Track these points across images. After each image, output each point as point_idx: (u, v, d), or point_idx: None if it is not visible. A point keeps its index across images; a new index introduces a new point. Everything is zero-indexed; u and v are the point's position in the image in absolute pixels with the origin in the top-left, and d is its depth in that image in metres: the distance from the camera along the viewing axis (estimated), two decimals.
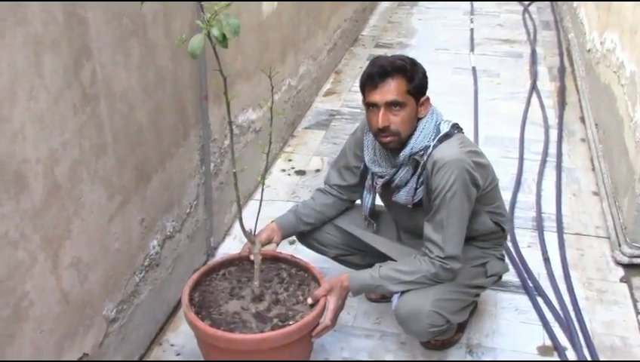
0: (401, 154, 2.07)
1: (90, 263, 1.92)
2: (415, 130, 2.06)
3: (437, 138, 2.05)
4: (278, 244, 2.31)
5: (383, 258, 2.23)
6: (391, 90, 2.00)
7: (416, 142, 2.05)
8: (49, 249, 1.72)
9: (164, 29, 2.17)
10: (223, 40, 1.45)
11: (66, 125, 1.72)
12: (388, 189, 2.21)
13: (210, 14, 1.44)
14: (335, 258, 2.48)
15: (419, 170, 2.07)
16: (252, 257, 2.10)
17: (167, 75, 2.24)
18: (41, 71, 1.59)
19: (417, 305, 2.04)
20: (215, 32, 1.43)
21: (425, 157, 2.04)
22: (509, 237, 3.03)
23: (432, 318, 2.04)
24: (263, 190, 2.03)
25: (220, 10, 1.43)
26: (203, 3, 1.48)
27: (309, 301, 2.07)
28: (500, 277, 2.35)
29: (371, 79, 2.02)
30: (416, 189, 2.10)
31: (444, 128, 2.08)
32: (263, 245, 2.19)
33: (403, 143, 2.06)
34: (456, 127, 2.11)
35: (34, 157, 1.61)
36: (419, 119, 2.08)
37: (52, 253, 1.74)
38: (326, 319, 2.03)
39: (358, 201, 2.41)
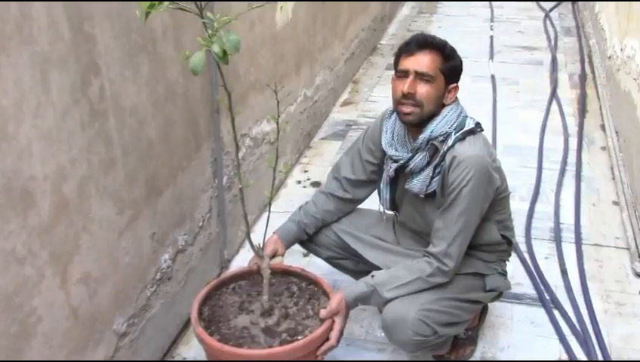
0: (420, 136, 2.05)
1: (100, 278, 1.93)
2: (438, 114, 2.04)
3: (461, 131, 2.02)
4: (283, 256, 2.29)
5: (377, 266, 2.22)
6: (425, 61, 1.99)
7: (437, 127, 2.03)
8: (57, 265, 1.73)
9: (174, 43, 2.18)
10: (224, 56, 1.45)
11: (73, 141, 1.73)
12: (402, 178, 2.19)
13: (212, 30, 1.44)
14: (327, 259, 2.45)
15: (437, 159, 2.04)
16: (261, 271, 2.09)
17: (177, 89, 2.25)
18: (47, 88, 1.61)
19: (403, 312, 2.00)
20: (215, 48, 1.43)
21: (444, 147, 2.02)
22: (526, 248, 3.00)
23: (416, 326, 1.99)
24: (270, 207, 2.02)
25: (221, 27, 1.43)
26: (206, 20, 1.48)
27: (322, 314, 2.04)
28: (501, 294, 2.29)
29: (409, 46, 2.02)
30: (431, 178, 2.07)
31: (470, 124, 2.06)
32: (270, 258, 2.18)
33: (422, 121, 2.03)
34: (479, 126, 2.09)
35: (41, 174, 1.62)
36: (444, 105, 2.06)
37: (60, 269, 1.75)
38: (332, 339, 2.01)
39: (361, 206, 2.41)
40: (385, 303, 2.05)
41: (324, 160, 3.83)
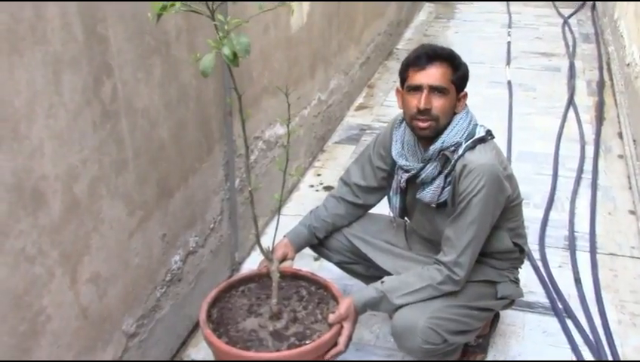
0: (432, 147, 2.04)
1: (110, 278, 1.94)
2: (449, 124, 2.03)
3: (472, 140, 2.01)
4: (293, 260, 2.29)
5: (388, 272, 2.21)
6: (438, 74, 1.98)
7: (448, 137, 2.02)
8: (67, 264, 1.74)
9: (187, 45, 2.19)
10: (234, 59, 1.44)
11: (85, 142, 1.73)
12: (413, 187, 2.18)
13: (222, 32, 1.44)
14: (338, 264, 2.44)
15: (448, 168, 2.03)
16: (271, 274, 2.09)
17: (190, 91, 2.25)
18: (60, 89, 1.62)
19: (413, 320, 1.98)
20: (226, 51, 1.43)
21: (455, 156, 2.00)
22: (539, 256, 2.97)
23: (426, 335, 1.98)
24: (280, 210, 2.02)
25: (232, 29, 1.43)
26: (217, 22, 1.48)
27: (331, 318, 2.04)
28: (513, 302, 2.27)
29: (418, 60, 2.00)
30: (443, 188, 2.06)
31: (480, 132, 2.04)
32: (280, 262, 2.18)
33: (436, 133, 2.02)
34: (490, 133, 2.08)
35: (52, 173, 1.63)
36: (454, 114, 2.05)
37: (70, 269, 1.75)
38: (340, 344, 2.00)
39: (372, 210, 2.41)
40: (394, 310, 2.04)
41: (337, 164, 3.82)
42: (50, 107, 1.60)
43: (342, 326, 2.02)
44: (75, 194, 1.73)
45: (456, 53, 2.04)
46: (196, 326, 2.54)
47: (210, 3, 1.46)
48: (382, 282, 2.08)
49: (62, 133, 1.65)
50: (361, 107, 4.63)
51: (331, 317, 2.01)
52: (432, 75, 1.98)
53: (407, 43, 6.06)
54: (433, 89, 1.98)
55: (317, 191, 3.55)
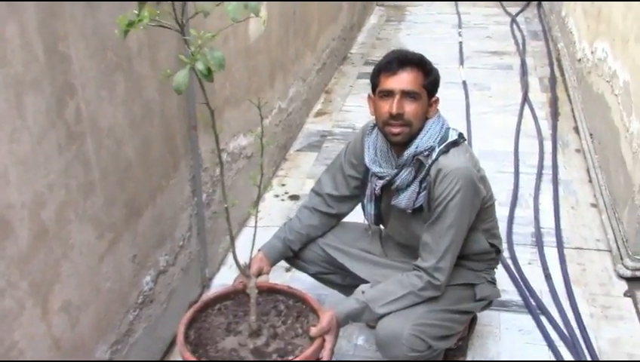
0: (405, 153, 2.02)
1: (82, 306, 1.86)
2: (422, 128, 2.02)
3: (445, 144, 2.00)
4: (269, 273, 2.25)
5: (365, 280, 2.19)
6: (409, 79, 1.97)
7: (421, 142, 2.01)
8: (37, 295, 1.66)
9: (149, 60, 2.13)
10: (208, 74, 1.40)
11: (50, 166, 1.66)
12: (387, 194, 2.16)
13: (195, 47, 1.39)
14: (315, 275, 2.41)
15: (422, 173, 2.02)
16: (248, 290, 2.04)
17: (154, 107, 2.19)
18: (22, 112, 1.54)
19: (397, 328, 1.97)
20: (200, 66, 1.38)
21: (429, 161, 2.00)
22: (509, 254, 2.99)
23: (411, 342, 1.96)
24: (256, 224, 1.97)
25: (205, 43, 1.38)
26: (190, 36, 1.44)
27: (313, 332, 1.99)
28: (491, 303, 2.27)
29: (389, 65, 1.99)
30: (418, 193, 2.05)
31: (453, 135, 2.03)
32: (255, 277, 2.13)
33: (409, 139, 2.01)
34: (461, 136, 2.08)
35: (18, 201, 1.56)
36: (427, 119, 2.04)
37: (41, 299, 1.68)
38: (324, 357, 1.96)
39: (346, 219, 2.38)
40: (377, 319, 2.01)
41: (300, 172, 3.79)
42: (13, 131, 1.52)
43: (324, 340, 1.98)
44: (43, 221, 1.66)
45: (426, 59, 2.04)
46: (170, 347, 2.47)
47: (180, 17, 1.41)
48: (362, 292, 2.05)
49: (26, 158, 1.57)
50: (320, 113, 4.61)
51: (313, 331, 1.98)
52: (404, 79, 1.97)
53: (360, 47, 6.07)
54: (405, 94, 1.97)
55: (282, 200, 3.51)
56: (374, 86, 2.05)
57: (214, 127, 1.66)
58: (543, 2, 6.97)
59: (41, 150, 1.62)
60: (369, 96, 2.10)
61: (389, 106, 1.97)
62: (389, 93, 1.98)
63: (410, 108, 1.97)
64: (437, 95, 2.06)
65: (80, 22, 1.72)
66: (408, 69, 1.98)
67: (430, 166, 1.99)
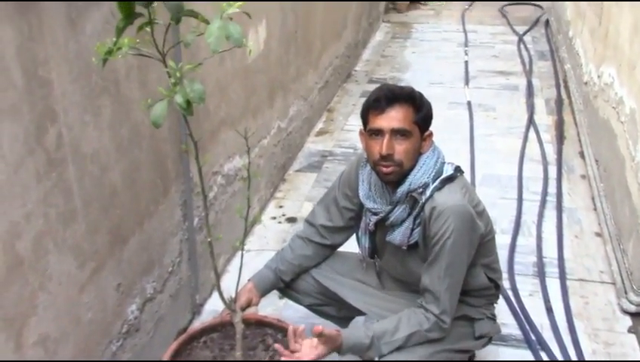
0: (399, 190, 1.95)
1: (60, 338, 1.79)
2: (415, 165, 1.95)
3: (439, 180, 1.93)
4: (258, 305, 2.18)
5: (361, 312, 2.12)
6: (398, 116, 1.90)
7: (415, 178, 1.94)
8: (11, 329, 1.59)
9: (139, 82, 2.06)
10: (188, 107, 1.33)
11: (28, 196, 1.60)
12: (382, 228, 2.09)
13: (175, 79, 1.32)
14: (309, 307, 2.34)
15: (416, 209, 1.95)
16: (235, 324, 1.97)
17: (143, 130, 2.12)
18: None
19: None
20: (179, 99, 1.32)
21: (423, 197, 1.93)
22: (509, 285, 2.91)
23: None
24: (242, 256, 1.90)
25: (186, 75, 1.32)
26: (168, 68, 1.37)
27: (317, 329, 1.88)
28: (490, 339, 2.20)
29: (378, 103, 1.92)
30: (412, 230, 1.98)
31: (448, 170, 1.96)
32: (243, 309, 2.06)
33: (403, 177, 1.95)
34: (458, 170, 2.00)
35: None
36: (420, 154, 1.97)
37: (14, 333, 1.61)
38: (303, 356, 1.86)
39: (340, 248, 2.32)
40: (380, 356, 1.93)
41: (299, 194, 3.71)
42: None
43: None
44: (18, 252, 1.59)
45: (416, 93, 1.97)
46: None
47: (161, 47, 1.35)
48: (370, 323, 1.98)
49: (1, 189, 1.51)
50: (321, 132, 4.54)
51: (319, 328, 1.85)
52: (393, 117, 1.90)
53: (365, 64, 6.01)
54: (395, 132, 1.90)
55: (279, 223, 3.43)
56: (364, 123, 1.98)
57: (197, 160, 1.59)
58: (551, 21, 6.90)
59: (18, 179, 1.56)
60: (360, 132, 2.03)
61: (379, 146, 1.91)
62: (378, 132, 1.92)
63: (400, 147, 1.91)
64: (430, 129, 1.99)
65: (62, 45, 1.66)
66: (397, 106, 1.91)
67: (424, 203, 1.92)
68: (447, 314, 1.94)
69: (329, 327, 2.10)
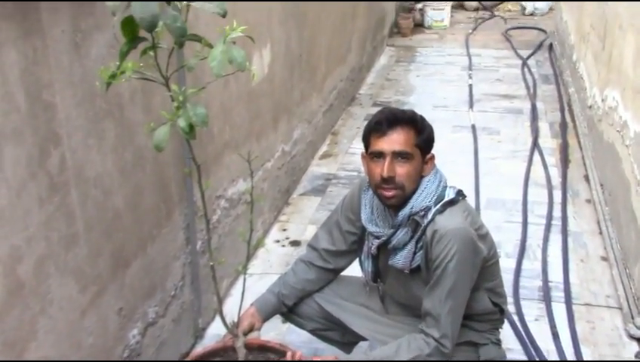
0: (401, 213, 1.94)
1: None
2: (417, 188, 1.95)
3: (441, 203, 1.92)
4: (260, 329, 2.16)
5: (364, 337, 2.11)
6: (400, 139, 1.89)
7: (416, 202, 1.93)
8: (11, 353, 1.58)
9: (142, 106, 2.07)
10: (190, 131, 1.33)
11: (30, 220, 1.59)
12: (385, 252, 2.08)
13: (177, 103, 1.33)
14: (312, 331, 2.32)
15: (418, 233, 1.94)
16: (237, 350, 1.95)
17: (146, 154, 2.12)
18: (0, 164, 1.48)
19: None
20: (181, 123, 1.32)
21: (425, 221, 1.91)
22: (515, 310, 2.88)
23: None
24: (245, 280, 1.89)
25: (189, 98, 1.32)
26: (172, 91, 1.37)
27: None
28: None
29: (379, 126, 1.92)
30: (414, 253, 1.96)
31: (450, 194, 1.95)
32: (245, 334, 2.04)
33: (404, 200, 1.94)
34: (460, 194, 1.99)
35: None
36: (422, 177, 1.96)
37: (15, 357, 1.59)
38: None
39: (344, 272, 2.30)
40: None
41: (303, 217, 3.70)
42: None
43: None
44: (19, 276, 1.58)
45: (418, 116, 1.97)
46: None
47: (164, 71, 1.35)
48: (373, 350, 1.96)
49: (3, 213, 1.50)
50: (325, 155, 4.54)
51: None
52: (394, 140, 1.90)
53: (369, 88, 6.03)
54: (396, 155, 1.90)
55: (283, 246, 3.42)
56: (366, 146, 1.98)
57: (200, 184, 1.58)
58: (555, 45, 6.92)
59: (20, 203, 1.55)
60: (362, 155, 2.03)
61: (380, 169, 1.90)
62: (379, 155, 1.91)
63: (402, 170, 1.90)
64: (432, 152, 1.99)
65: (66, 69, 1.67)
66: (399, 129, 1.91)
67: (426, 226, 1.91)
68: (449, 338, 1.91)
69: (332, 352, 2.09)
